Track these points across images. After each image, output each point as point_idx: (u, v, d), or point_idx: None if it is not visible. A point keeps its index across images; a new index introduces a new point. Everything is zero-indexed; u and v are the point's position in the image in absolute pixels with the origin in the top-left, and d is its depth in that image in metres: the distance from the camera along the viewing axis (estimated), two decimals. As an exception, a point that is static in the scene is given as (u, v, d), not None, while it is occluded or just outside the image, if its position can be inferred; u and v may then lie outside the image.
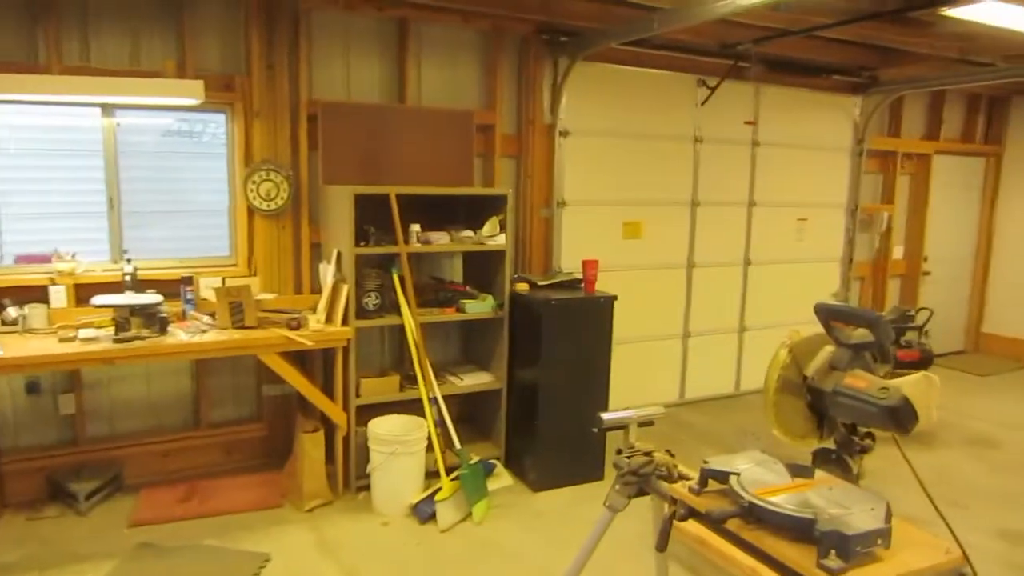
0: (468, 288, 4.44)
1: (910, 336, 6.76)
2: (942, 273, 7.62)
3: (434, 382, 4.06)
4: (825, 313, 1.94)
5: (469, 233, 4.27)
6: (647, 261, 5.56)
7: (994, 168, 7.84)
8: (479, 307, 4.24)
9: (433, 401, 3.99)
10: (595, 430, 2.23)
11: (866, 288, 7.09)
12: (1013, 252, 7.78)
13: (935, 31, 4.92)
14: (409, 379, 4.18)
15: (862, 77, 6.24)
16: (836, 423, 2.01)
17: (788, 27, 4.67)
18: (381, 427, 3.92)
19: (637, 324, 5.51)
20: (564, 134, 5.02)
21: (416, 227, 4.06)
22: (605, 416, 2.28)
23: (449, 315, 4.19)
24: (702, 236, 5.76)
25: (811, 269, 6.48)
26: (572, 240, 5.17)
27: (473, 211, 4.50)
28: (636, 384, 5.56)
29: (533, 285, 4.41)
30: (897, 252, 7.20)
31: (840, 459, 2.01)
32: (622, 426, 2.32)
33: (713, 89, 5.44)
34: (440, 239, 4.18)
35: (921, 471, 4.68)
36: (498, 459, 4.39)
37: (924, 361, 6.85)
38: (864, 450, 2.09)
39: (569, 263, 5.13)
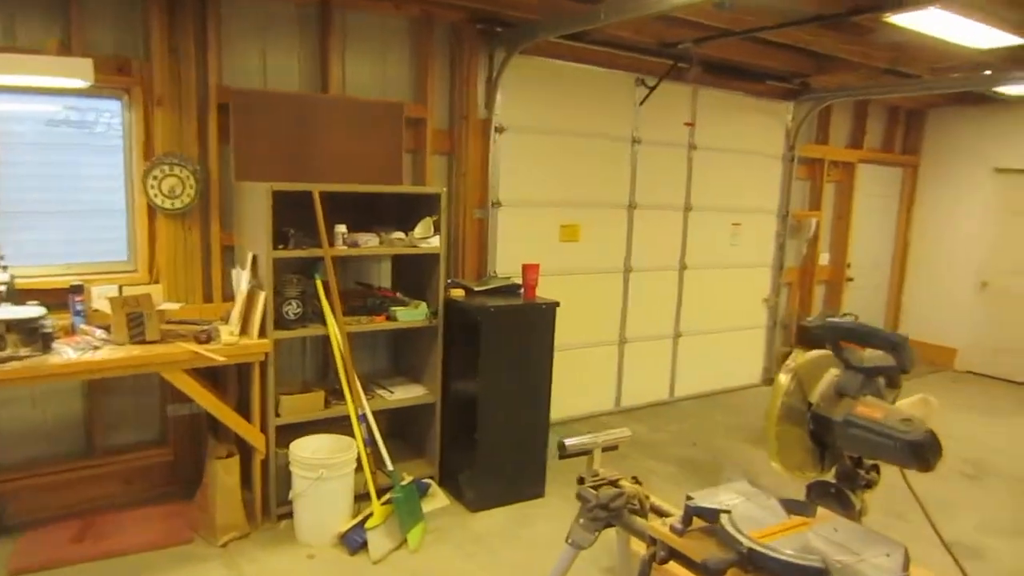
0: (398, 294, 4.11)
1: (837, 340, 6.84)
2: (864, 280, 7.78)
3: (363, 397, 3.71)
4: (835, 332, 1.74)
5: (400, 235, 3.95)
6: (584, 265, 5.36)
7: (911, 178, 8.08)
8: (411, 315, 3.92)
9: (362, 419, 3.65)
10: (560, 458, 1.97)
11: (794, 294, 7.13)
12: (927, 260, 8.03)
13: (871, 39, 4.94)
14: (335, 394, 3.82)
15: (795, 83, 6.25)
16: (841, 454, 1.81)
17: (730, 27, 4.56)
18: (305, 449, 3.54)
19: (574, 330, 5.29)
20: (500, 130, 4.76)
21: (342, 228, 3.70)
22: (568, 442, 2.02)
23: (379, 324, 3.85)
24: (639, 240, 5.62)
25: (744, 274, 6.46)
26: (508, 243, 4.91)
27: (404, 211, 4.17)
28: (572, 393, 5.34)
29: (469, 291, 4.13)
30: (823, 259, 7.28)
31: (840, 493, 1.81)
32: (586, 451, 2.07)
33: (652, 88, 5.29)
34: (368, 241, 3.84)
35: (859, 478, 4.64)
36: (432, 478, 4.08)
37: (850, 365, 6.95)
38: (869, 484, 1.90)
39: (505, 267, 4.87)
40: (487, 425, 3.86)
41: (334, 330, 3.63)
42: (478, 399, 3.83)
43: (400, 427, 4.46)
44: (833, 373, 1.82)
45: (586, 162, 5.24)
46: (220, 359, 3.24)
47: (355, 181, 4.14)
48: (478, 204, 4.78)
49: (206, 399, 3.35)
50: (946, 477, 4.75)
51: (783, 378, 1.77)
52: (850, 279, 7.57)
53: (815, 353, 1.86)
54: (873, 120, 7.45)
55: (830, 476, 1.86)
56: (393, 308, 3.92)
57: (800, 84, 6.30)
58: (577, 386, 5.39)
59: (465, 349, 3.92)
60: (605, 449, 2.08)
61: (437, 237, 3.92)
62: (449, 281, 4.25)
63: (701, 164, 5.89)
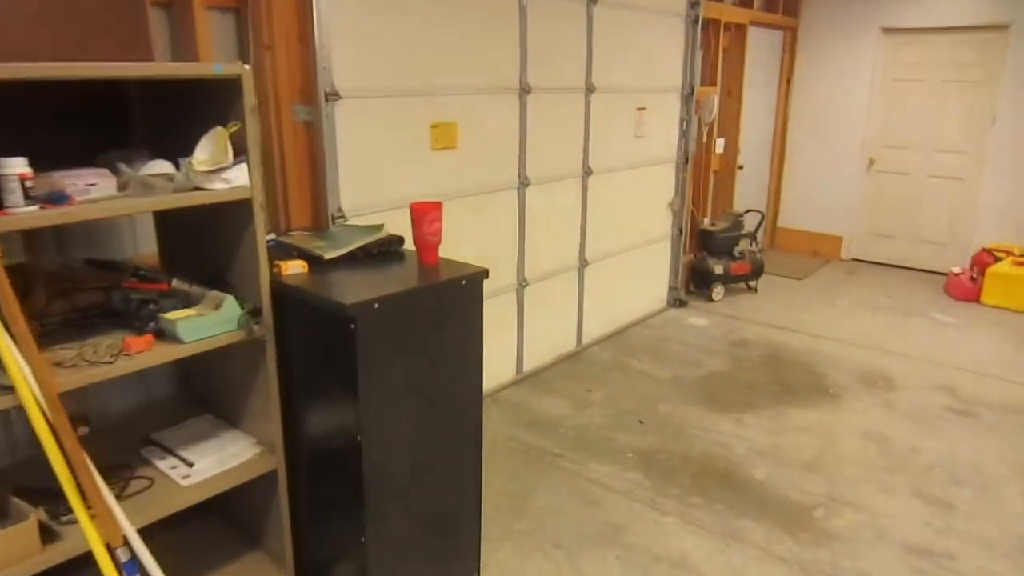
0: (175, 283, 2.13)
1: (743, 246, 5.78)
2: (751, 167, 6.75)
3: (119, 517, 1.80)
4: None
5: (165, 167, 1.95)
6: (467, 183, 3.60)
7: (790, 44, 7.02)
8: (203, 326, 1.99)
9: (129, 568, 1.76)
10: None
11: (690, 191, 5.88)
12: (808, 138, 7.15)
13: None
14: (65, 510, 1.86)
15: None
16: None
17: None
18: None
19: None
20: (326, -35, 2.75)
21: (18, 164, 1.65)
22: None
23: (136, 360, 1.88)
24: (535, 139, 3.93)
25: (649, 175, 5.05)
26: (356, 160, 3.01)
27: (167, 120, 2.16)
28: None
29: (315, 261, 2.26)
30: (719, 145, 6.07)
31: None
32: None
33: (547, -95, 3.47)
34: (94, 188, 1.82)
35: (852, 444, 3.57)
36: (284, 592, 2.34)
37: (755, 273, 5.95)
38: None
39: (357, 200, 3.01)
40: (380, 487, 2.13)
41: (26, 389, 1.64)
42: (362, 446, 2.07)
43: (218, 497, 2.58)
44: None
45: (459, 22, 3.38)
46: None
47: (44, 58, 2.00)
48: (301, 98, 2.80)
49: None
50: (936, 418, 3.82)
51: None
52: (740, 167, 6.48)
53: None
54: (759, -29, 6.19)
55: None
56: (166, 316, 1.97)
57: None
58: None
59: (324, 369, 2.11)
60: None
61: (243, 166, 1.97)
62: (271, 240, 2.34)
63: (602, 26, 4.23)
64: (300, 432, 2.27)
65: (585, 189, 4.40)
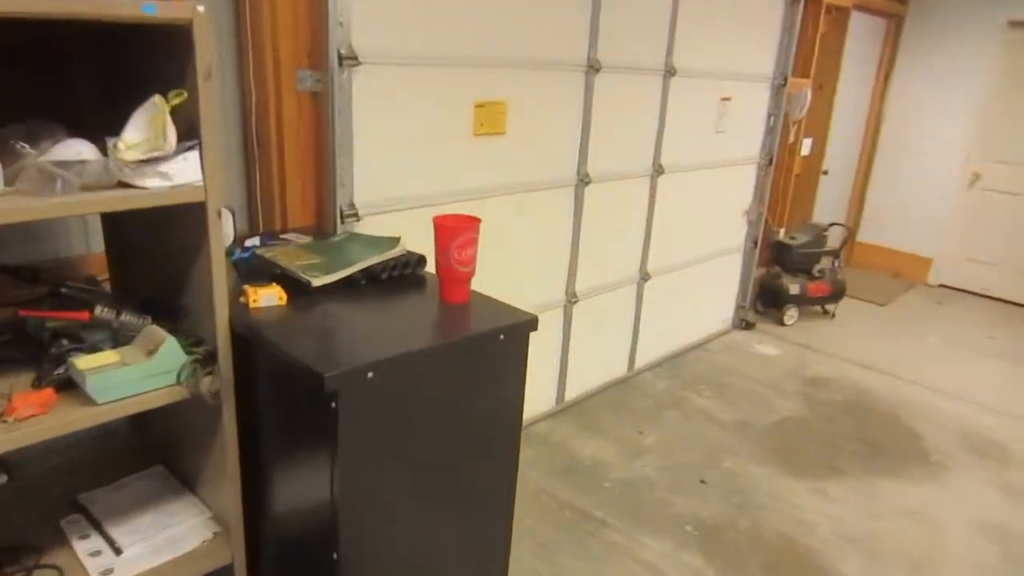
0: (98, 309, 1.52)
1: (824, 264, 5.03)
2: (835, 172, 5.96)
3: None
4: None
5: (83, 148, 1.34)
6: (516, 178, 2.95)
7: (893, 34, 6.16)
8: (127, 381, 1.40)
9: None
10: None
11: (766, 196, 5.14)
12: (900, 144, 6.31)
13: None
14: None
15: None
16: None
17: None
18: None
19: (498, 293, 2.98)
20: None
21: None
22: None
23: (18, 434, 1.30)
24: (602, 128, 3.25)
25: (727, 177, 4.32)
26: (375, 143, 2.38)
27: (123, 82, 1.56)
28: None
29: (301, 289, 1.65)
30: (805, 146, 5.30)
31: None
32: None
33: None
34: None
35: (967, 539, 2.87)
36: None
37: (834, 296, 5.20)
38: None
39: (370, 194, 2.38)
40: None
41: None
42: (340, 567, 1.47)
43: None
44: None
45: (521, -22, 2.71)
46: None
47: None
48: (308, 60, 2.17)
49: None
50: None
51: None
52: (825, 172, 5.70)
53: None
54: (875, -53, 5.36)
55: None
56: (76, 362, 1.38)
57: None
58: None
59: (300, 447, 1.51)
60: None
61: (192, 155, 1.35)
62: (247, 252, 1.74)
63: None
64: (268, 512, 1.68)
65: (653, 190, 3.71)
